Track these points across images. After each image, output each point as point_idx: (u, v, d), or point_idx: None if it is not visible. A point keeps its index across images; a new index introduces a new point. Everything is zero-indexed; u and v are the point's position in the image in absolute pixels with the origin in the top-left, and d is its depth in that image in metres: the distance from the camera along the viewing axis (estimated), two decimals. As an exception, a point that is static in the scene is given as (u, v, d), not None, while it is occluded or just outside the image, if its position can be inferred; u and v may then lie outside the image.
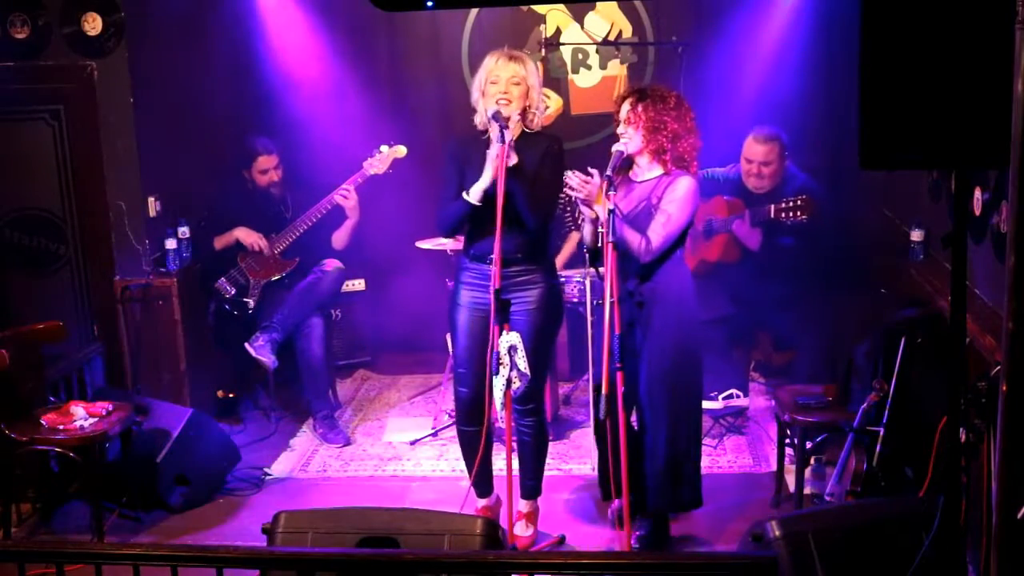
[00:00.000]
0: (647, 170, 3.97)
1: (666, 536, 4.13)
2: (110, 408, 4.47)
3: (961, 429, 2.89)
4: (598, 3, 6.15)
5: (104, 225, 5.18)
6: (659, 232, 3.84)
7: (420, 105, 6.32)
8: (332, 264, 5.52)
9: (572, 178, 3.82)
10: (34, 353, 4.58)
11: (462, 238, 4.24)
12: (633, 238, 3.81)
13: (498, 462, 4.32)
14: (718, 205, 5.34)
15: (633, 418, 3.98)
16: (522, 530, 4.21)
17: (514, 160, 3.81)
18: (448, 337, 4.67)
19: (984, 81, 2.32)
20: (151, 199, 5.27)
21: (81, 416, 4.37)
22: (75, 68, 5.05)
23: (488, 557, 2.60)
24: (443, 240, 5.12)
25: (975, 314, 3.71)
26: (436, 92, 6.31)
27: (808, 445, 4.31)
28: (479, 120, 4.01)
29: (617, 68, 6.24)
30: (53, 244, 5.21)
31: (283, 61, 6.08)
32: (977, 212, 3.93)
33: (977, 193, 3.92)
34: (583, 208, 3.91)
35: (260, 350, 5.25)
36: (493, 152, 3.85)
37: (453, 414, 4.76)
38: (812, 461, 4.37)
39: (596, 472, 4.33)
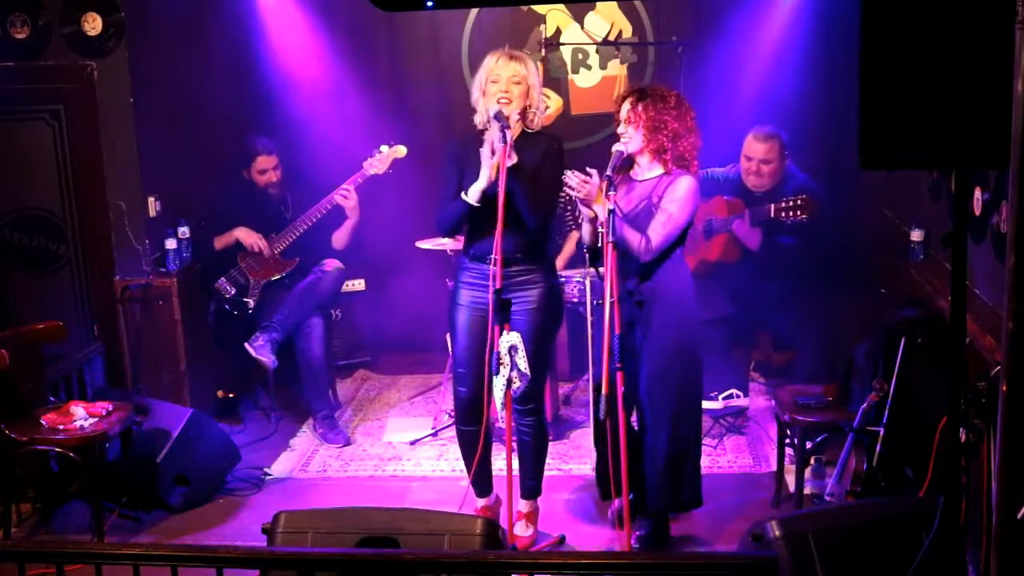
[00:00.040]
0: (648, 169, 3.97)
1: (666, 536, 4.13)
2: (110, 408, 4.47)
3: (961, 429, 2.89)
4: (598, 3, 6.15)
5: (104, 225, 5.18)
6: (659, 231, 3.84)
7: (420, 105, 6.32)
8: (332, 264, 5.52)
9: (571, 178, 3.82)
10: (34, 353, 4.58)
11: (462, 238, 4.24)
12: (633, 237, 3.81)
13: (498, 462, 4.32)
14: (718, 205, 5.34)
15: (633, 418, 3.99)
16: (522, 530, 4.21)
17: (513, 160, 3.81)
18: (448, 337, 4.67)
19: (984, 81, 2.32)
20: (151, 199, 5.27)
21: (81, 416, 4.37)
22: (75, 68, 5.05)
23: (488, 557, 2.60)
24: (443, 240, 5.12)
25: (975, 314, 3.71)
26: (436, 92, 6.31)
27: (808, 445, 4.31)
28: (479, 120, 4.01)
29: (617, 68, 6.24)
30: (53, 244, 5.21)
31: (283, 61, 6.08)
32: (977, 212, 3.93)
33: (977, 193, 3.92)
34: (582, 208, 3.91)
35: (260, 350, 5.25)
36: (486, 151, 3.86)
37: (453, 414, 4.76)
38: (812, 461, 4.37)
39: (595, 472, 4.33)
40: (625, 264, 3.86)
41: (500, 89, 3.92)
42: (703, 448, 4.26)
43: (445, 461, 5.08)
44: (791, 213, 4.92)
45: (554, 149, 4.01)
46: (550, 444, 4.39)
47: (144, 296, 5.23)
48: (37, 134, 5.12)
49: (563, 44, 6.14)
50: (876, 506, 3.60)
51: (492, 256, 3.81)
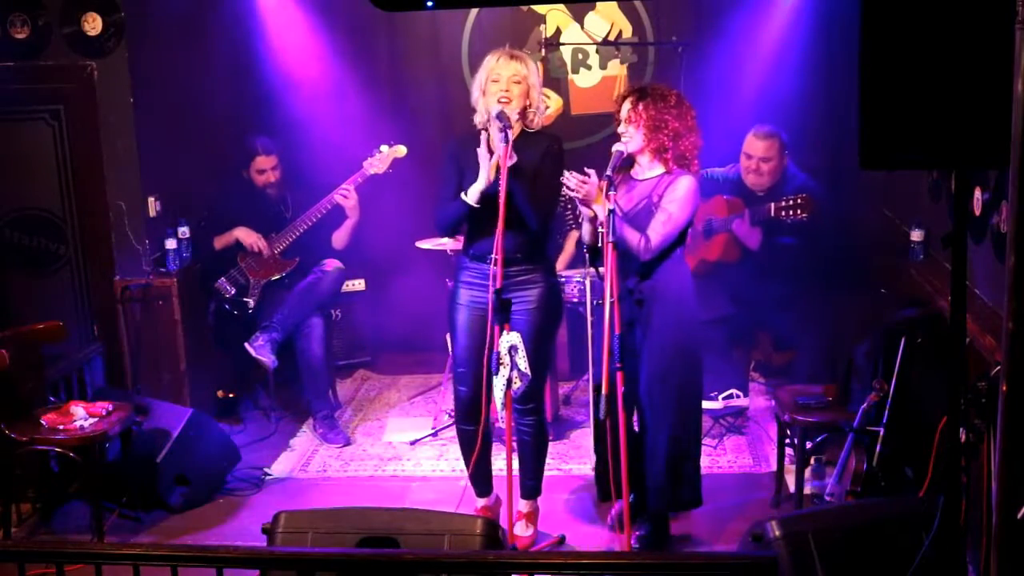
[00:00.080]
0: (648, 168, 3.97)
1: (666, 536, 4.13)
2: (110, 408, 4.47)
3: (961, 429, 2.89)
4: (598, 3, 6.15)
5: (104, 225, 5.18)
6: (659, 231, 3.84)
7: (420, 105, 6.32)
8: (332, 264, 5.52)
9: (570, 179, 3.82)
10: (34, 353, 4.58)
11: (462, 238, 4.24)
12: (632, 236, 3.81)
13: (498, 462, 4.32)
14: (718, 205, 5.34)
15: (634, 418, 3.98)
16: (522, 530, 4.21)
17: (513, 159, 3.81)
18: (448, 337, 4.67)
19: (984, 81, 2.32)
20: (151, 199, 5.27)
21: (81, 416, 4.37)
22: (75, 68, 5.05)
23: (488, 557, 2.60)
24: (443, 240, 5.13)
25: (975, 314, 3.71)
26: (436, 92, 6.31)
27: (808, 445, 4.31)
28: (479, 120, 4.01)
29: (617, 68, 6.24)
30: (53, 244, 5.21)
31: (283, 61, 6.08)
32: (977, 212, 3.93)
33: (977, 193, 3.92)
34: (582, 207, 3.91)
35: (260, 350, 5.25)
36: (483, 152, 3.86)
37: (453, 414, 4.76)
38: (812, 461, 4.37)
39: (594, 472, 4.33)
40: (625, 263, 3.86)
41: (500, 88, 3.92)
42: (703, 448, 4.26)
43: (445, 461, 5.08)
44: (791, 212, 4.92)
45: (554, 149, 4.01)
46: (550, 444, 4.39)
47: (144, 296, 5.23)
48: (37, 134, 5.12)
49: (563, 44, 6.14)
50: (876, 506, 3.60)
51: (492, 256, 3.81)
